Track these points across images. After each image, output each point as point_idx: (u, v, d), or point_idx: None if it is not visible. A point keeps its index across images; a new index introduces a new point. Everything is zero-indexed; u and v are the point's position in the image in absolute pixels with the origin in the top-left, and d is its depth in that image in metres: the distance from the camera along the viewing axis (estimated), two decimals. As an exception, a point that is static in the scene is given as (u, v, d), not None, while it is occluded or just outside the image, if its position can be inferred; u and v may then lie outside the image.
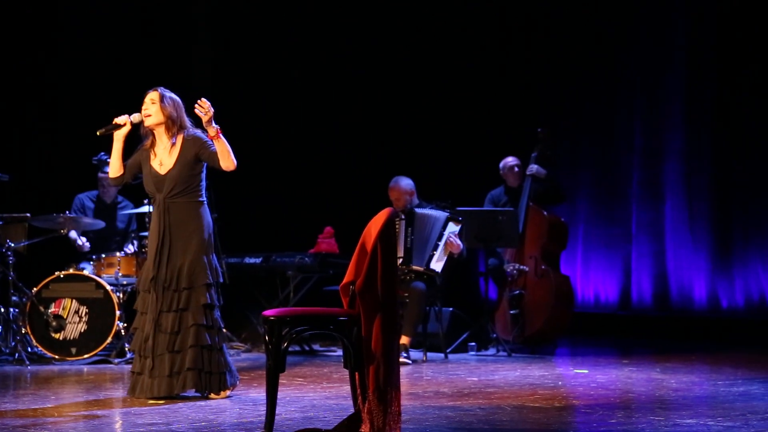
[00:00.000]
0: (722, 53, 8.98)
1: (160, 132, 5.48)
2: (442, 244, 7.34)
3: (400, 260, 7.28)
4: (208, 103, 5.30)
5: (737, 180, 8.89)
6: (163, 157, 5.47)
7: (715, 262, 8.95)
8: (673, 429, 4.44)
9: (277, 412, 4.29)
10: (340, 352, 7.43)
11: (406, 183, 7.53)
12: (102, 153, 7.44)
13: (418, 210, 7.44)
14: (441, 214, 7.42)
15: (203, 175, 5.50)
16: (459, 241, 7.36)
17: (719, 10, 8.98)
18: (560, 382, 6.20)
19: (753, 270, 8.71)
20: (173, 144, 5.44)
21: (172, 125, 5.44)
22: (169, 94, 5.47)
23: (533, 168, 7.95)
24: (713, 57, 9.04)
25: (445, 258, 7.35)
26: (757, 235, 8.72)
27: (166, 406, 5.10)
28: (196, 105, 5.28)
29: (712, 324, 8.82)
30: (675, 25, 9.25)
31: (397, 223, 7.21)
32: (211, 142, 5.40)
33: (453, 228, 7.37)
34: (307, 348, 7.87)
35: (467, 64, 9.91)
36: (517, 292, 7.78)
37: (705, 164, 9.09)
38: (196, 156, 5.43)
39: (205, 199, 5.52)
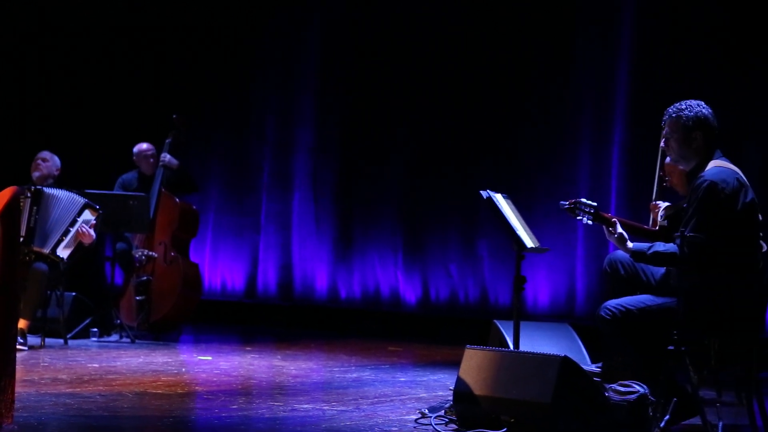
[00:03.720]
0: (352, 52, 9.42)
1: None
2: (74, 230, 7.04)
3: (21, 239, 6.92)
4: None
5: (360, 177, 9.39)
6: None
7: (337, 255, 9.41)
8: (290, 414, 4.63)
9: None
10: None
11: (56, 158, 7.52)
12: None
13: (47, 189, 7.11)
14: (77, 199, 7.12)
15: None
16: (92, 233, 7.10)
17: (349, 11, 9.40)
18: (184, 369, 6.22)
19: (370, 263, 9.26)
20: None
21: None
22: None
23: (166, 157, 7.92)
24: (344, 56, 9.47)
25: (74, 245, 7.10)
26: (375, 230, 9.26)
27: None
28: None
29: (331, 313, 9.27)
30: (309, 22, 9.59)
31: (21, 201, 6.84)
32: None
33: (88, 216, 7.10)
34: None
35: (105, 44, 9.66)
36: (145, 278, 7.70)
37: (332, 160, 9.52)
38: None
39: None
